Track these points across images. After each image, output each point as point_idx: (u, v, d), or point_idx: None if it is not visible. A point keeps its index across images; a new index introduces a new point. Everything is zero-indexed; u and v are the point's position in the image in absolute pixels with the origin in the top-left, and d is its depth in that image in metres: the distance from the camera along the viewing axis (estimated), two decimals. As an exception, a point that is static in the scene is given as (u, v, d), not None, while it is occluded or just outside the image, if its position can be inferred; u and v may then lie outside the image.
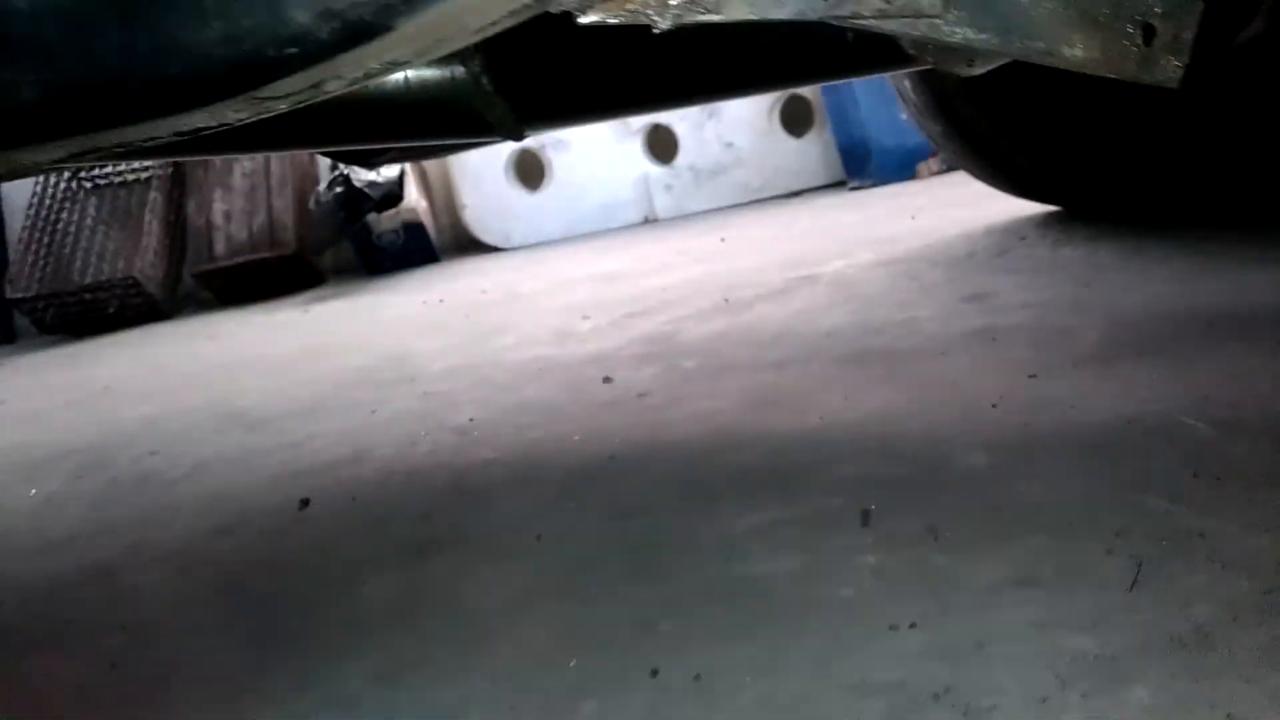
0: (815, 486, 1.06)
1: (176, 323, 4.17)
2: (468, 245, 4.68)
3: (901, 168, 4.00)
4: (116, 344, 3.78)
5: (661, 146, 4.58)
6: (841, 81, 4.00)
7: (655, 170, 4.51)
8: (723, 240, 3.34)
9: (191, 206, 4.31)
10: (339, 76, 0.48)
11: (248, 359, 2.87)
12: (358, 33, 0.44)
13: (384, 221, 4.26)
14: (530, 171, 4.60)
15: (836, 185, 4.38)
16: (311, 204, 4.14)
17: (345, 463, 1.53)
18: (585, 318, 2.35)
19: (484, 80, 0.99)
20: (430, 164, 4.72)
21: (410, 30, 0.45)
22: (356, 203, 4.03)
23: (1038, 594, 0.77)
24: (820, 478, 1.08)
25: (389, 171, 4.05)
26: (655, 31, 0.52)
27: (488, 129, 1.05)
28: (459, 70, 0.99)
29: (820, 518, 0.98)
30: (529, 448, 1.44)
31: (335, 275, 4.70)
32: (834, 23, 0.51)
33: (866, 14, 0.50)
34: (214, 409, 2.13)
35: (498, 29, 0.51)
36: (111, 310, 4.06)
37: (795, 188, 4.46)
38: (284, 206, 4.14)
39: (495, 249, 4.53)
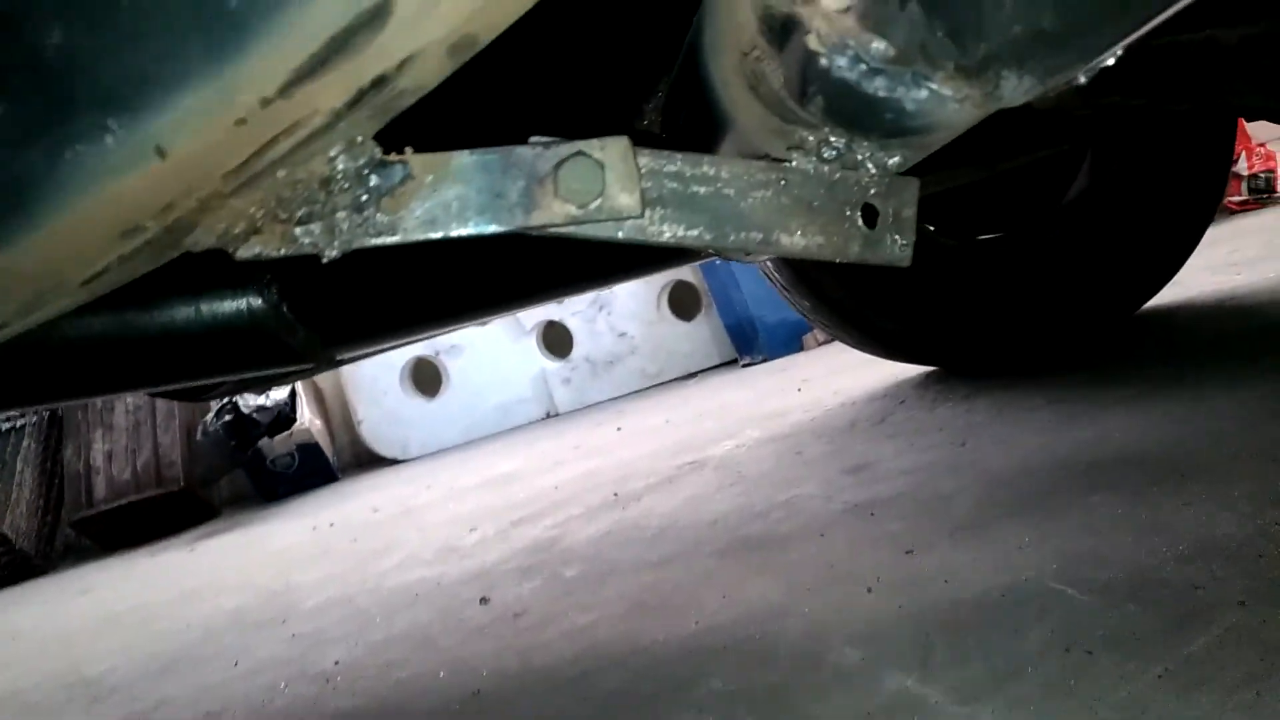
0: (683, 706, 0.97)
1: (51, 578, 3.88)
2: (367, 460, 4.56)
3: (788, 341, 4.08)
4: (-21, 609, 3.49)
5: (557, 342, 4.61)
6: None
7: (552, 365, 4.52)
8: (619, 429, 3.30)
9: (69, 451, 4.11)
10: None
11: (118, 612, 2.66)
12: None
13: (277, 445, 4.13)
14: (427, 379, 4.56)
15: (729, 364, 4.44)
16: (199, 435, 4.00)
17: (191, 731, 1.38)
18: (473, 529, 2.25)
19: (284, 309, 0.95)
20: (325, 380, 4.65)
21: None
22: (246, 430, 3.91)
23: (909, 819, 0.68)
24: (689, 695, 0.99)
25: (278, 394, 3.96)
26: (325, 261, 0.48)
27: (295, 357, 1.00)
28: (255, 300, 0.94)
29: (685, 746, 0.89)
30: (391, 690, 1.31)
31: (230, 505, 4.50)
32: (532, 233, 0.48)
33: (559, 222, 0.47)
34: (63, 679, 1.93)
35: (123, 276, 0.46)
36: (-22, 572, 3.77)
37: (690, 369, 4.50)
38: (171, 441, 3.98)
39: (395, 461, 4.41)
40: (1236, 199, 4.92)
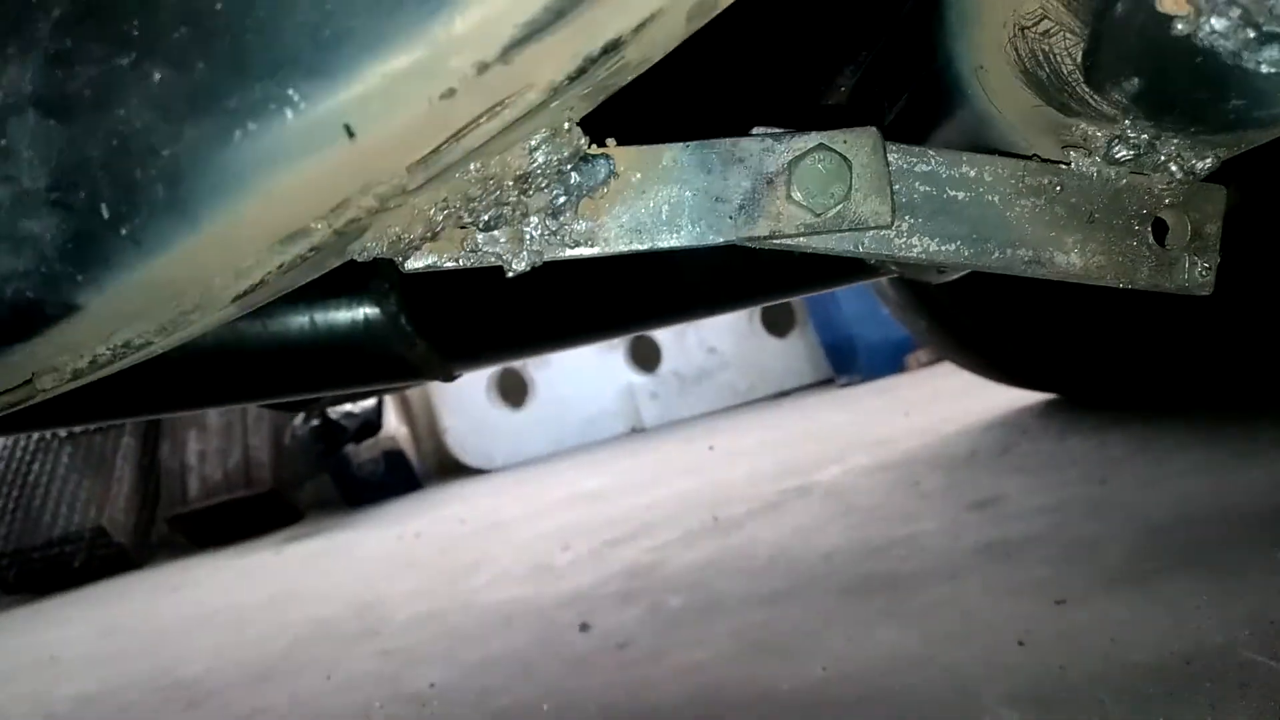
0: (822, 768, 0.88)
1: (146, 572, 3.95)
2: (451, 469, 4.55)
3: (890, 361, 3.94)
4: (78, 602, 3.56)
5: (645, 355, 4.54)
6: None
7: (639, 380, 4.45)
8: (711, 448, 3.21)
9: (165, 449, 4.20)
10: (53, 369, 0.36)
11: (209, 613, 2.67)
12: (28, 317, 0.33)
13: (363, 452, 4.14)
14: (513, 390, 4.54)
15: (825, 383, 4.32)
16: (287, 439, 4.04)
17: (285, 749, 1.33)
18: (565, 548, 2.19)
19: (402, 320, 0.89)
20: (409, 389, 4.67)
21: (118, 306, 0.34)
22: (333, 435, 3.93)
23: None
24: (827, 755, 0.90)
25: (365, 401, 3.97)
26: (509, 275, 0.41)
27: (412, 371, 0.94)
28: (372, 311, 0.88)
29: (830, 818, 0.79)
30: (492, 721, 1.24)
31: (315, 509, 4.53)
32: (752, 245, 0.40)
33: (790, 232, 0.39)
34: (157, 680, 1.92)
35: (278, 289, 0.40)
36: (78, 563, 3.85)
37: (783, 388, 4.39)
38: (260, 443, 4.03)
39: (480, 471, 4.39)
40: None
